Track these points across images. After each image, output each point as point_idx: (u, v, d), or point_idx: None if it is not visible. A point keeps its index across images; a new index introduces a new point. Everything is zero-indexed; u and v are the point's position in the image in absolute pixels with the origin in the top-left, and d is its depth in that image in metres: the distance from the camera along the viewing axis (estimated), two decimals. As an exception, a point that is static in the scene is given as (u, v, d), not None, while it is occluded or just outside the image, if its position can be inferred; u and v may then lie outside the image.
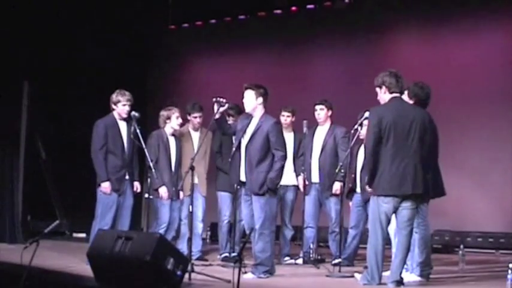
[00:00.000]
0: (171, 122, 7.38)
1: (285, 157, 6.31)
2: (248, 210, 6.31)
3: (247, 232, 6.31)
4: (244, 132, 6.32)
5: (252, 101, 6.30)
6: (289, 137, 7.67)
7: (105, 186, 6.89)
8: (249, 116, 6.40)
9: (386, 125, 5.64)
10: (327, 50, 10.64)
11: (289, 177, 7.65)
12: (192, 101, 7.93)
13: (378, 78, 5.87)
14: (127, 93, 7.05)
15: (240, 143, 6.32)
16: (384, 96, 5.85)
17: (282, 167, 6.29)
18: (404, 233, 5.70)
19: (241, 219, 6.81)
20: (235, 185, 6.44)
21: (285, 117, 7.75)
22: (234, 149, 6.35)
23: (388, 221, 5.73)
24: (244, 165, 6.25)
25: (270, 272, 6.27)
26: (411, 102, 6.16)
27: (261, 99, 6.31)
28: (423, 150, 5.71)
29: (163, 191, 7.23)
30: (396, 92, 5.81)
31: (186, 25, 11.76)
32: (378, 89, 5.89)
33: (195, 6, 11.22)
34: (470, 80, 9.36)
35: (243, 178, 6.30)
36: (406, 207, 5.69)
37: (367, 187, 6.01)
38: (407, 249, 5.73)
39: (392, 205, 5.67)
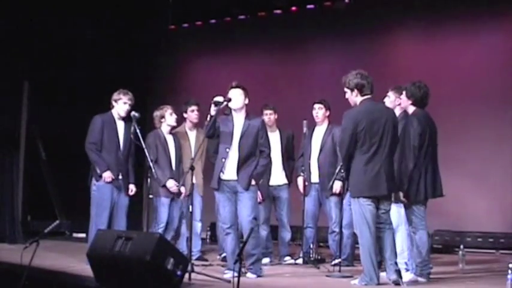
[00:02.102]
0: (166, 119, 7.38)
1: (269, 155, 6.50)
2: (231, 207, 6.31)
3: (225, 229, 6.32)
4: (232, 129, 6.34)
5: (241, 100, 6.36)
6: (274, 135, 7.69)
7: (107, 175, 6.87)
8: (229, 117, 6.44)
9: (362, 129, 5.73)
10: (326, 50, 10.64)
11: (280, 176, 7.70)
12: (185, 99, 7.96)
13: (350, 82, 5.90)
14: (130, 93, 7.08)
15: (231, 143, 6.32)
16: (355, 98, 5.92)
17: (268, 164, 6.56)
18: (384, 230, 5.80)
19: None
20: (216, 185, 6.40)
21: (268, 116, 7.75)
22: (227, 150, 6.32)
23: (374, 218, 5.77)
24: (238, 163, 6.28)
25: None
26: (409, 102, 6.18)
27: (247, 100, 6.42)
28: (394, 151, 5.83)
29: (170, 184, 7.20)
30: (367, 94, 5.88)
31: (186, 25, 11.76)
32: (348, 91, 5.94)
33: (195, 6, 11.22)
34: (470, 80, 9.36)
35: (228, 176, 6.30)
36: (383, 209, 5.82)
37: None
38: (393, 243, 5.82)
39: (373, 202, 5.76)
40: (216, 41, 11.39)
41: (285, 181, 7.77)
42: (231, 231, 6.29)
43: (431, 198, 6.16)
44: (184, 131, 7.79)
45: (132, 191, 7.12)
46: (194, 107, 7.77)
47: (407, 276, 6.00)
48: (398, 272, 5.74)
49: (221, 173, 6.31)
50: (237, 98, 6.35)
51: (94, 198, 6.95)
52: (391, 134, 5.79)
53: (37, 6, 9.67)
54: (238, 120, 6.38)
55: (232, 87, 6.38)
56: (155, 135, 7.38)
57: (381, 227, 5.80)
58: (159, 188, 7.23)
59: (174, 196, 7.31)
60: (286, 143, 7.80)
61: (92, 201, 6.98)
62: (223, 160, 6.31)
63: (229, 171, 6.30)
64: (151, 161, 6.88)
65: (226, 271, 6.27)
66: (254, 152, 6.33)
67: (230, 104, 6.36)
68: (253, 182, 6.29)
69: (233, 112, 6.41)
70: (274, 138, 7.64)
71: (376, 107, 5.94)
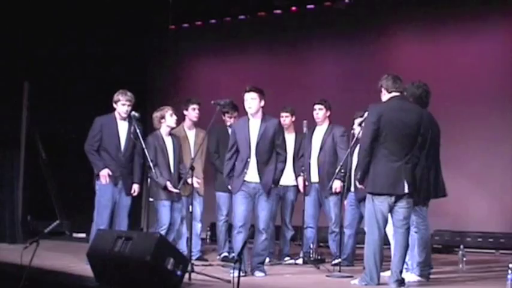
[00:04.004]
0: (166, 120, 7.30)
1: (286, 159, 6.53)
2: (247, 206, 6.33)
3: (237, 228, 6.32)
4: (249, 135, 6.36)
5: (257, 104, 6.37)
6: (290, 137, 7.69)
7: (104, 174, 6.90)
8: (245, 120, 6.45)
9: (385, 124, 5.66)
10: (327, 50, 10.64)
11: (289, 177, 7.67)
12: (185, 99, 7.96)
13: (379, 83, 5.93)
14: (129, 93, 7.07)
15: (250, 152, 6.35)
16: (383, 97, 5.93)
17: (284, 169, 6.54)
18: (401, 231, 5.71)
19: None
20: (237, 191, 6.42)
21: (284, 118, 7.77)
22: (249, 160, 6.34)
23: (385, 220, 5.73)
24: (257, 165, 6.32)
25: None
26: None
27: (263, 102, 6.41)
28: (416, 151, 5.74)
29: (170, 185, 7.15)
30: (395, 92, 5.84)
31: (186, 25, 11.76)
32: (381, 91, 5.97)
33: (195, 6, 11.22)
34: (471, 80, 9.36)
35: (249, 178, 6.34)
36: (401, 206, 5.70)
37: (357, 183, 6.07)
38: (406, 248, 5.73)
39: (387, 204, 5.68)
40: (216, 41, 11.40)
41: (294, 183, 7.75)
42: (243, 230, 6.31)
43: (434, 199, 6.16)
44: (183, 131, 7.76)
45: (134, 191, 7.12)
46: (195, 106, 7.75)
47: (407, 276, 5.99)
48: (400, 282, 5.64)
49: (245, 175, 6.33)
50: (250, 102, 6.36)
51: (96, 197, 6.99)
52: (413, 135, 5.69)
53: (37, 7, 9.67)
54: (255, 124, 6.40)
55: (246, 91, 6.38)
56: (154, 137, 7.31)
57: (397, 225, 5.70)
58: (159, 191, 7.17)
59: (175, 198, 7.27)
60: (299, 145, 7.79)
61: (95, 200, 7.00)
62: (246, 171, 6.34)
63: (249, 173, 6.35)
64: (151, 161, 6.87)
65: (231, 270, 6.26)
66: (271, 155, 6.38)
67: (246, 109, 6.39)
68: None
69: (249, 115, 6.42)
70: (289, 140, 7.64)
71: (403, 105, 5.83)
